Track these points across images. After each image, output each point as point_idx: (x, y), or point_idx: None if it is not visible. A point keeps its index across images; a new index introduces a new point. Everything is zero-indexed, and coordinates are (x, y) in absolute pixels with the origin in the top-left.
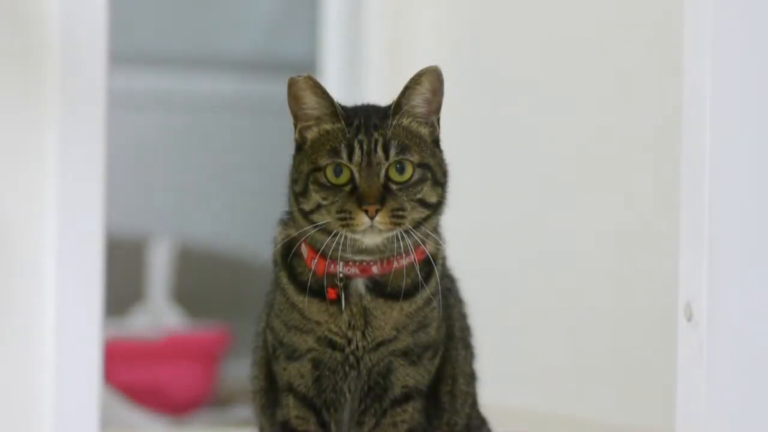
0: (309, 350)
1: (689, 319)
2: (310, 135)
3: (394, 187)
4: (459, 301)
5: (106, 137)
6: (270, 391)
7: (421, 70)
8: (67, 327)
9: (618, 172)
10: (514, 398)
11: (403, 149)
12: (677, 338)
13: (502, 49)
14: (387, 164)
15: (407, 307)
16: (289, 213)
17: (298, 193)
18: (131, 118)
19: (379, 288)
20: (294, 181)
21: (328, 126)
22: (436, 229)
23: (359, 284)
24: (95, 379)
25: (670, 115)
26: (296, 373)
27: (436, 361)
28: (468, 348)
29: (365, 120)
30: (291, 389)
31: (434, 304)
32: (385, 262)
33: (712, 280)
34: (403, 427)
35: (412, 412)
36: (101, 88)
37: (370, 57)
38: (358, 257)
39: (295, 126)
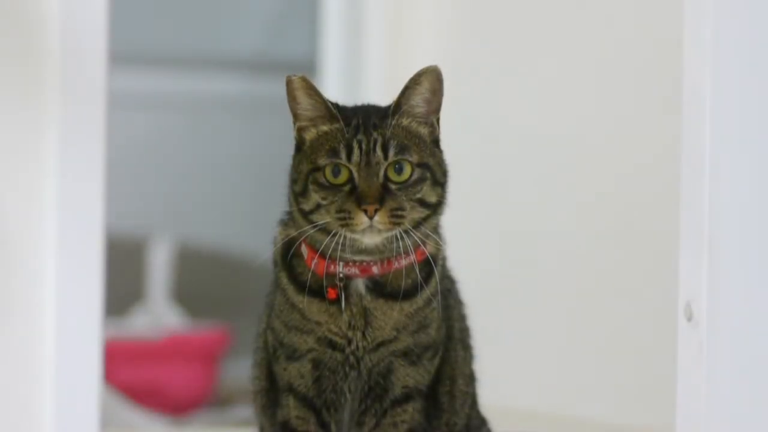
0: (309, 350)
1: (689, 319)
2: (309, 135)
3: (393, 186)
4: (459, 303)
5: (106, 137)
6: (270, 391)
7: (421, 70)
8: (67, 327)
9: (618, 172)
10: (514, 398)
11: (402, 149)
12: (677, 338)
13: (502, 49)
14: (386, 164)
15: (407, 307)
16: (289, 213)
17: (297, 193)
18: (131, 118)
19: (379, 288)
20: (293, 181)
21: (326, 127)
22: (436, 230)
23: (359, 284)
24: (95, 379)
25: (670, 115)
26: (296, 373)
27: (436, 361)
28: (467, 349)
29: (365, 120)
30: (291, 389)
31: (434, 304)
32: (385, 262)
33: (712, 280)
34: (403, 427)
35: (412, 412)
36: (101, 88)
37: (370, 57)
38: (358, 257)
39: (295, 125)
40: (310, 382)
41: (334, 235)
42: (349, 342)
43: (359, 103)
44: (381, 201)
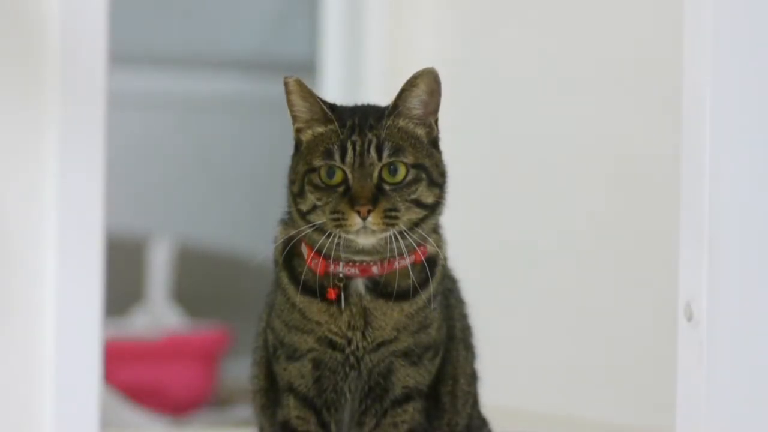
0: (309, 350)
1: (689, 319)
2: (305, 137)
3: (387, 187)
4: (460, 302)
5: (106, 137)
6: (270, 391)
7: (418, 72)
8: (67, 327)
9: (618, 171)
10: (514, 398)
11: (396, 150)
12: (677, 338)
13: (502, 49)
14: (380, 165)
15: (408, 307)
16: (290, 212)
17: (295, 194)
18: (131, 118)
19: (379, 288)
20: (291, 182)
21: (321, 128)
22: (436, 230)
23: (359, 284)
24: (95, 379)
25: (670, 115)
26: (297, 373)
27: (437, 361)
28: (469, 348)
29: (361, 121)
30: (291, 389)
31: (435, 304)
32: (385, 262)
33: (712, 280)
34: (403, 428)
35: (412, 412)
36: (101, 88)
37: (370, 57)
38: (357, 257)
39: (294, 126)
40: (310, 382)
41: (330, 235)
42: (349, 342)
43: (359, 103)
44: (374, 202)
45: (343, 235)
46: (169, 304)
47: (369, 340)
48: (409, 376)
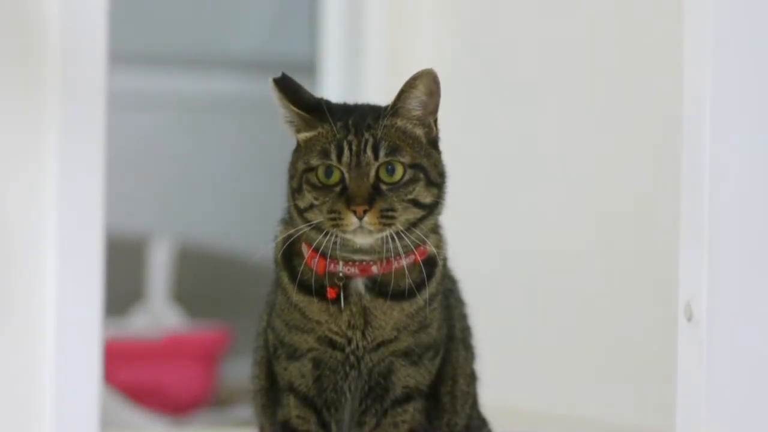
0: (310, 350)
1: (689, 319)
2: (302, 136)
3: (384, 187)
4: (460, 302)
5: (106, 137)
6: (270, 390)
7: (417, 73)
8: (67, 327)
9: (618, 172)
10: (514, 398)
11: (393, 150)
12: (677, 338)
13: (502, 49)
14: (377, 165)
15: (408, 307)
16: (289, 211)
17: (294, 189)
18: (131, 118)
19: (379, 288)
20: (291, 176)
21: (318, 128)
22: (435, 230)
23: (359, 284)
24: (95, 379)
25: (670, 115)
26: (297, 372)
27: (437, 361)
28: (468, 348)
29: (359, 120)
30: (292, 389)
31: (435, 304)
32: (384, 262)
33: (712, 280)
34: (403, 428)
35: (412, 412)
36: (101, 88)
37: (370, 57)
38: (356, 257)
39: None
40: (310, 381)
41: (327, 234)
42: (349, 341)
43: (359, 103)
44: (370, 202)
45: (340, 234)
46: (169, 304)
47: (369, 339)
48: (409, 376)
